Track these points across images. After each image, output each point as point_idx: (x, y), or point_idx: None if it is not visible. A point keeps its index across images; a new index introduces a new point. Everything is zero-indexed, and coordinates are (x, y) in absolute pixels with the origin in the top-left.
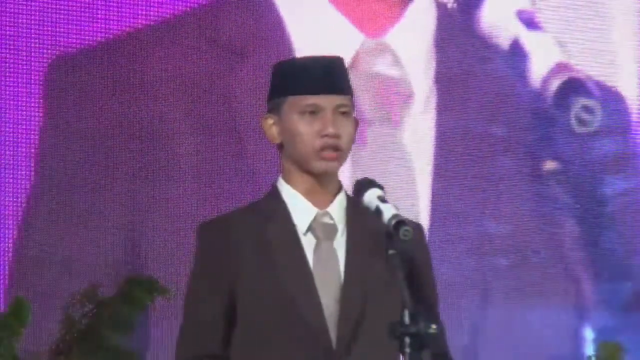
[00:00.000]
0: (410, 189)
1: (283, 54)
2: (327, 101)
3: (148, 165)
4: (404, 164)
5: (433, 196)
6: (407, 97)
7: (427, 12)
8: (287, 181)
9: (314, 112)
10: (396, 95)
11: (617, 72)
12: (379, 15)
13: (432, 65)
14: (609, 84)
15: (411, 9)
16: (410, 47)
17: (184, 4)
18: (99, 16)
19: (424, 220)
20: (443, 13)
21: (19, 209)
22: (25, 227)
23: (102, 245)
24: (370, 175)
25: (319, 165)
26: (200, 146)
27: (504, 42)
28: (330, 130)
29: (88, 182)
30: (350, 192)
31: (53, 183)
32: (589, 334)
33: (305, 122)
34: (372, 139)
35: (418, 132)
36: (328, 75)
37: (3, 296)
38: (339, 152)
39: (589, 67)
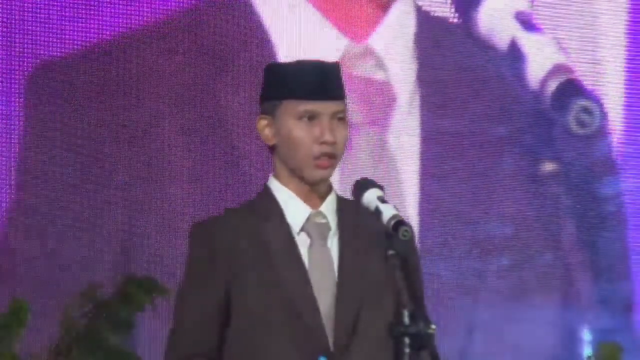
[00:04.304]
0: (396, 190)
1: (265, 56)
2: (324, 107)
3: (143, 167)
4: (390, 165)
5: (420, 197)
6: (392, 99)
7: (407, 16)
8: (279, 181)
9: (311, 118)
10: (381, 97)
11: (612, 72)
12: (361, 18)
13: (414, 67)
14: (606, 85)
15: (392, 12)
16: (392, 50)
17: (167, 8)
18: (84, 20)
19: (412, 221)
20: (423, 17)
21: (19, 210)
22: (25, 228)
23: (101, 245)
24: (357, 176)
25: (313, 174)
26: (191, 147)
27: (502, 43)
28: (328, 137)
29: (86, 183)
30: (339, 192)
31: (51, 185)
32: (587, 334)
33: (302, 128)
34: (358, 141)
35: (403, 134)
36: (326, 81)
37: (2, 297)
38: (333, 160)
39: (585, 68)
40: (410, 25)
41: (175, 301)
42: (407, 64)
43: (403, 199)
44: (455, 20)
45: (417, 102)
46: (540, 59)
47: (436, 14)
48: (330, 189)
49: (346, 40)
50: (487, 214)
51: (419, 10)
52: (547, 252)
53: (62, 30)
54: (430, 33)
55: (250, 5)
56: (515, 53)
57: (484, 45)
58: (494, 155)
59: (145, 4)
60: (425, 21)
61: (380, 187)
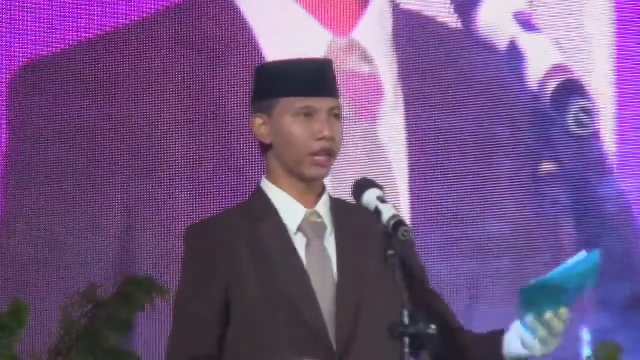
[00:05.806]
0: (388, 185)
1: (252, 55)
2: (321, 104)
3: (142, 166)
4: (381, 160)
5: (418, 197)
6: (379, 93)
7: (384, 11)
8: (273, 182)
9: (308, 114)
10: (368, 91)
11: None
12: (345, 12)
13: (394, 62)
14: (599, 85)
15: (371, 7)
16: (375, 44)
17: (157, 4)
18: (85, 21)
19: (405, 216)
20: (399, 13)
21: (18, 211)
22: (24, 228)
23: (101, 245)
24: (347, 172)
25: (311, 172)
26: (190, 147)
27: (501, 43)
28: (327, 133)
29: (86, 183)
30: (333, 187)
31: (50, 184)
32: (587, 334)
33: (300, 125)
34: (349, 136)
35: (392, 128)
36: (322, 78)
37: (2, 297)
38: (331, 158)
39: (585, 68)
40: (386, 21)
41: (174, 303)
42: (388, 58)
43: (398, 198)
44: (454, 21)
45: (408, 101)
46: (539, 59)
47: (433, 14)
48: (323, 188)
49: (330, 35)
50: (485, 214)
51: (394, 8)
52: (546, 252)
53: (53, 29)
54: (428, 32)
55: (228, 2)
56: (514, 53)
57: (483, 45)
58: (493, 155)
59: (141, 2)
60: (423, 21)
61: (380, 187)
